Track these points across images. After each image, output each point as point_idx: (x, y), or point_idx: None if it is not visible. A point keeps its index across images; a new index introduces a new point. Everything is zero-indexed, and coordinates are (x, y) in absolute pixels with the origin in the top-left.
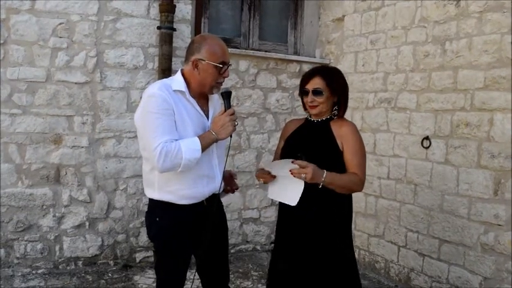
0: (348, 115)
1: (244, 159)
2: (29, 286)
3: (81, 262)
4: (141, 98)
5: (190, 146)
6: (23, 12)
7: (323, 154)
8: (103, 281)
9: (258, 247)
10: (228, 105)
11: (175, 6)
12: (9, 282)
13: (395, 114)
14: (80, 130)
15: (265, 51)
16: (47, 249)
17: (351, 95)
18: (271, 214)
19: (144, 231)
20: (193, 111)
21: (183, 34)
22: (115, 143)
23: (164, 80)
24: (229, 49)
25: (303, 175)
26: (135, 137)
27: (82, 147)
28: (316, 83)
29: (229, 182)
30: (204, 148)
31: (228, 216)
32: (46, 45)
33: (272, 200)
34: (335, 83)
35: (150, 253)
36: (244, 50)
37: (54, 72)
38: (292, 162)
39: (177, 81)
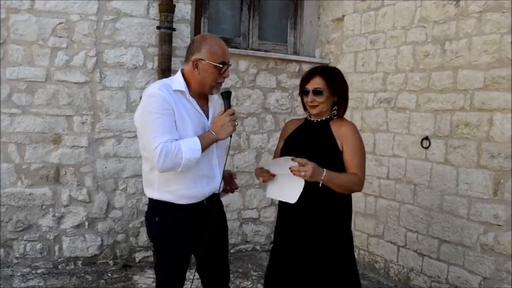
0: (347, 115)
1: (244, 159)
2: (29, 286)
3: (80, 262)
4: (140, 97)
5: (191, 146)
6: (22, 11)
7: (323, 154)
8: (102, 280)
9: (258, 247)
10: (228, 105)
11: (174, 6)
12: (9, 282)
13: (394, 114)
14: (79, 130)
15: (265, 51)
16: (47, 249)
17: (351, 95)
18: (271, 214)
19: (143, 231)
20: (193, 111)
21: (183, 34)
22: (114, 143)
23: (164, 79)
24: (229, 49)
25: (303, 173)
26: (135, 136)
27: (81, 147)
28: (316, 82)
29: (229, 181)
30: (204, 148)
31: (227, 216)
32: (45, 44)
33: (272, 200)
34: (335, 83)
35: (150, 253)
36: (243, 50)
37: (54, 72)
38: (292, 159)
39: (177, 81)
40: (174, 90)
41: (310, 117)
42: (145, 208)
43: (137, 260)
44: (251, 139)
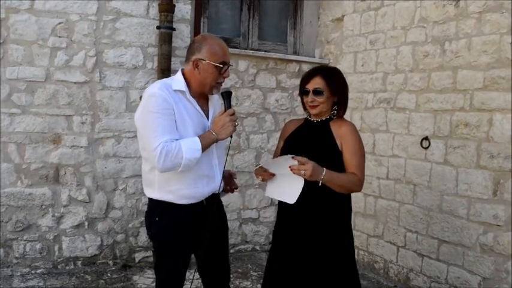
0: (347, 115)
1: (244, 159)
2: (28, 286)
3: (80, 262)
4: (140, 97)
5: (191, 146)
6: (22, 11)
7: (322, 154)
8: (102, 281)
9: (257, 247)
10: (228, 105)
11: (174, 6)
12: (8, 282)
13: (394, 115)
14: (79, 130)
15: (265, 51)
16: (46, 249)
17: (350, 95)
18: (271, 214)
19: (143, 231)
20: (194, 111)
21: (183, 34)
22: (114, 143)
23: (164, 79)
24: (229, 49)
25: (303, 172)
26: (135, 136)
27: (81, 147)
28: (316, 82)
29: (229, 181)
30: (204, 148)
31: (227, 216)
32: (45, 44)
33: (271, 200)
34: (335, 83)
35: (149, 253)
36: (243, 50)
37: (54, 72)
38: (293, 158)
39: (177, 81)
40: (175, 90)
41: (310, 117)
42: (145, 208)
43: (137, 260)
44: (251, 139)
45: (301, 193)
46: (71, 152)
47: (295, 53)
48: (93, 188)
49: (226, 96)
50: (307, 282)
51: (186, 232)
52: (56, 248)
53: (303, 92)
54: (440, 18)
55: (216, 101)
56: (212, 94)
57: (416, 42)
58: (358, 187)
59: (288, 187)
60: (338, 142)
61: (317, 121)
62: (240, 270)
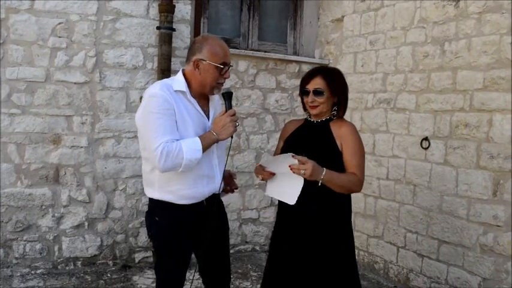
0: (347, 116)
1: (244, 160)
2: (28, 286)
3: (80, 262)
4: (140, 98)
5: (191, 146)
6: (22, 11)
7: (322, 154)
8: (102, 281)
9: (257, 247)
10: (229, 105)
11: (174, 6)
12: (8, 283)
13: (394, 115)
14: (79, 130)
15: (265, 52)
16: (46, 249)
17: (350, 95)
18: (270, 214)
19: (143, 232)
20: (194, 111)
21: (183, 34)
22: (114, 143)
23: (165, 80)
24: (229, 49)
25: (302, 171)
26: (134, 137)
27: (81, 147)
28: (317, 83)
29: (229, 181)
30: (204, 148)
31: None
32: (45, 45)
33: (271, 200)
34: (336, 84)
35: (149, 253)
36: (243, 51)
37: (54, 72)
38: (293, 156)
39: (178, 81)
40: (175, 91)
41: (310, 117)
42: (145, 208)
43: (137, 260)
44: (251, 139)
45: (301, 193)
46: (71, 152)
47: (295, 53)
48: (93, 188)
49: (227, 96)
50: (307, 283)
51: (186, 232)
52: (56, 248)
53: (303, 92)
54: (440, 19)
55: (216, 102)
56: (213, 94)
57: (416, 42)
58: (358, 187)
59: (288, 186)
60: (338, 142)
61: (317, 121)
62: (239, 270)
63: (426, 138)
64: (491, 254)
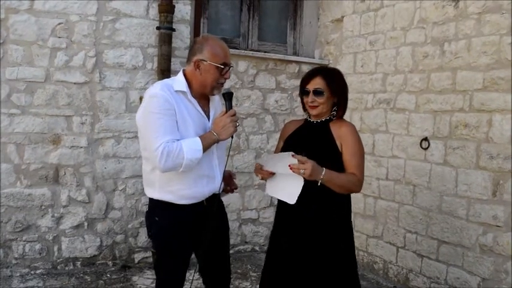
0: (346, 116)
1: (243, 160)
2: (28, 286)
3: (79, 262)
4: (140, 98)
5: (192, 146)
6: (22, 12)
7: (322, 155)
8: (101, 281)
9: (257, 248)
10: (229, 106)
11: (174, 6)
12: (8, 283)
13: (394, 115)
14: (78, 130)
15: (265, 52)
16: (46, 249)
17: (350, 95)
18: (270, 215)
19: (142, 232)
20: (195, 111)
21: (182, 34)
22: (114, 143)
23: (166, 80)
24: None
25: (302, 171)
26: (134, 137)
27: (81, 147)
28: (317, 83)
29: (229, 181)
30: (205, 148)
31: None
32: (45, 45)
33: (271, 200)
34: (335, 84)
35: (149, 254)
36: (243, 51)
37: (53, 72)
38: (293, 156)
39: (178, 81)
40: (176, 91)
41: (309, 118)
42: (145, 209)
43: (136, 260)
44: (250, 140)
45: (300, 193)
46: (70, 153)
47: (294, 53)
48: (92, 188)
49: (228, 97)
50: (306, 283)
51: (186, 232)
52: (56, 248)
53: (303, 93)
54: (440, 19)
55: (216, 102)
56: (213, 95)
57: (416, 43)
58: (358, 187)
59: (288, 186)
60: (338, 143)
61: (317, 122)
62: (239, 270)
63: (426, 139)
64: (490, 254)
